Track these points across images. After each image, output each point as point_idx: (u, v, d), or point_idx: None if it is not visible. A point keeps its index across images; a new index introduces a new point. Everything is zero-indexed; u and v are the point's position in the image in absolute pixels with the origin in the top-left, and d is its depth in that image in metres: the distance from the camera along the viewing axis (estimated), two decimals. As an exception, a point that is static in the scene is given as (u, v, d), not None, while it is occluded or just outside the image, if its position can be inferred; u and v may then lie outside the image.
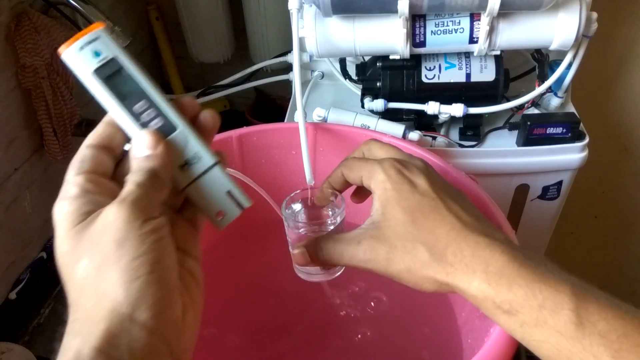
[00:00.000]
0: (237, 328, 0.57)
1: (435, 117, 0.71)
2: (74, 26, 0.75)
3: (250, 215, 0.63)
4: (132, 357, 0.28)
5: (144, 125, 0.34)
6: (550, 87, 0.71)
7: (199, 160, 0.35)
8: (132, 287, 0.28)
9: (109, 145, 0.34)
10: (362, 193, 0.47)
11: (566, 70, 0.69)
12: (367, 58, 0.75)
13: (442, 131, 0.75)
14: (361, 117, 0.69)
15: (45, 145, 0.74)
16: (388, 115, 0.71)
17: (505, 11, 0.61)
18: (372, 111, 0.72)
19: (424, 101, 0.70)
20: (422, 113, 0.70)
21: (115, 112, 0.33)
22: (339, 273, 0.48)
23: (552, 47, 0.65)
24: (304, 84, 0.82)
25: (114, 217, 0.29)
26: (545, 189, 0.77)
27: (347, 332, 0.57)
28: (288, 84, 0.88)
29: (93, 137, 0.33)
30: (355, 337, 0.57)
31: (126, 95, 0.33)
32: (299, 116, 0.59)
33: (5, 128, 0.69)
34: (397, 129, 0.68)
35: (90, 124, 0.79)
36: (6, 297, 0.73)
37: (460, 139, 0.74)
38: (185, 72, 1.08)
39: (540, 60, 0.72)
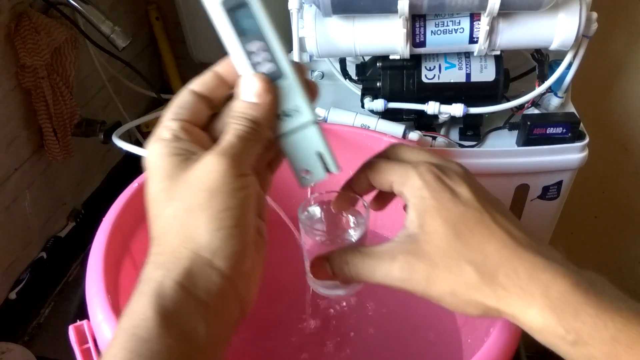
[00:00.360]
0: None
1: (435, 117, 0.71)
2: (74, 26, 0.75)
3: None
4: (207, 296, 0.30)
5: (256, 65, 0.33)
6: (550, 87, 0.71)
7: (298, 113, 0.34)
8: (215, 236, 0.30)
9: (210, 95, 0.34)
10: (384, 199, 0.41)
11: (566, 70, 0.69)
12: (367, 58, 0.75)
13: (442, 131, 0.75)
14: (361, 117, 0.69)
15: (45, 145, 0.74)
16: (388, 115, 0.71)
17: (505, 11, 0.61)
18: (372, 111, 0.72)
19: (424, 101, 0.70)
20: (422, 113, 0.70)
21: (230, 46, 0.33)
22: (358, 288, 0.43)
23: (552, 47, 0.65)
24: (304, 84, 0.82)
25: (212, 167, 0.31)
26: (545, 189, 0.77)
27: (347, 332, 0.57)
28: (288, 84, 0.88)
29: (198, 83, 0.34)
30: (356, 336, 0.57)
31: (245, 31, 0.33)
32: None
33: (5, 128, 0.69)
34: (397, 129, 0.68)
35: (91, 124, 0.79)
36: (6, 297, 0.73)
37: (460, 139, 0.74)
38: (185, 72, 1.08)
39: (540, 60, 0.72)
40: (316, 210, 0.44)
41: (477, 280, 0.32)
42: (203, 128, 0.34)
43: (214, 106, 0.35)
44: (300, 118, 0.34)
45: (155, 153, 0.32)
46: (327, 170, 0.35)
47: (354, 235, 0.41)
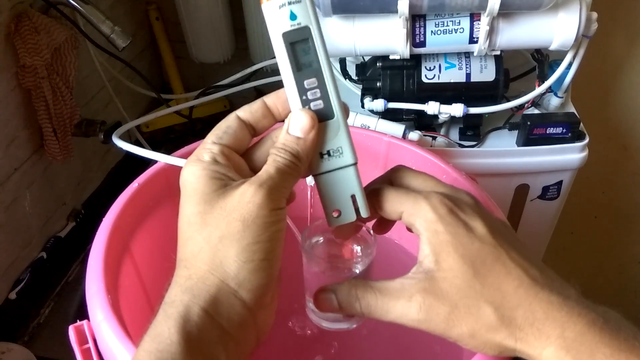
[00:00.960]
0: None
1: (435, 117, 0.71)
2: (74, 26, 0.75)
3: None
4: (230, 325, 0.31)
5: (306, 102, 0.34)
6: (550, 87, 0.71)
7: (340, 154, 0.35)
8: (244, 267, 0.31)
9: (255, 123, 0.35)
10: (388, 223, 0.40)
11: (566, 70, 0.69)
12: (367, 58, 0.75)
13: (442, 131, 0.75)
14: (361, 117, 0.69)
15: (45, 145, 0.74)
16: (388, 115, 0.71)
17: (505, 11, 0.61)
18: (372, 111, 0.72)
19: (424, 101, 0.70)
20: (422, 113, 0.70)
21: (286, 79, 0.34)
22: (361, 321, 0.41)
23: (552, 47, 0.65)
24: (304, 84, 0.82)
25: (249, 198, 0.31)
26: (545, 189, 0.77)
27: (347, 332, 0.57)
28: (288, 84, 0.88)
29: (246, 110, 0.35)
30: (355, 336, 0.57)
31: (303, 66, 0.34)
32: (299, 116, 0.59)
33: (5, 128, 0.69)
34: (397, 129, 0.68)
35: (91, 124, 0.79)
36: (6, 297, 0.73)
37: (460, 139, 0.74)
38: (185, 72, 1.08)
39: (540, 60, 0.72)
40: (319, 239, 0.43)
41: (496, 322, 0.32)
42: (242, 155, 0.35)
43: (256, 135, 0.36)
44: (341, 159, 0.35)
45: (193, 174, 0.33)
46: (358, 213, 0.36)
47: (360, 265, 0.40)
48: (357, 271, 0.39)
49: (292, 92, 0.34)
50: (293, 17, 0.33)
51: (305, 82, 0.34)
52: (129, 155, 0.61)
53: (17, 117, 0.71)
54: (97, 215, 0.50)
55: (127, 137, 0.96)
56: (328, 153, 0.35)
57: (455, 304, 0.32)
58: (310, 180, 0.55)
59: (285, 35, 0.33)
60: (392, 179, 0.38)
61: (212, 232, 0.31)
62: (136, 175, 0.54)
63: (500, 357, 0.36)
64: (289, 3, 0.33)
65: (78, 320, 0.43)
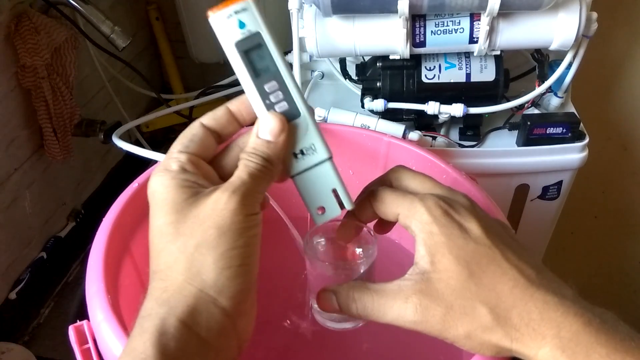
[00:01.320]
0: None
1: (435, 117, 0.71)
2: (74, 26, 0.75)
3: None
4: (209, 334, 0.30)
5: (270, 106, 0.34)
6: (550, 87, 0.71)
7: (313, 152, 0.35)
8: (222, 274, 0.30)
9: (220, 130, 0.35)
10: (388, 224, 0.40)
11: (566, 70, 0.69)
12: (367, 58, 0.75)
13: (442, 131, 0.75)
14: (361, 117, 0.69)
15: (45, 145, 0.74)
16: (388, 115, 0.71)
17: (505, 11, 0.61)
18: (372, 111, 0.72)
19: (424, 101, 0.70)
20: (422, 113, 0.70)
21: (246, 86, 0.34)
22: (366, 321, 0.40)
23: (552, 47, 0.65)
24: (304, 84, 0.82)
25: (222, 205, 0.31)
26: (545, 189, 0.77)
27: (347, 332, 0.57)
28: (288, 84, 0.88)
29: (210, 118, 0.35)
30: (355, 337, 0.57)
31: (260, 72, 0.34)
32: (299, 116, 0.59)
33: (5, 128, 0.69)
34: (397, 129, 0.68)
35: (90, 124, 0.79)
36: (6, 297, 0.73)
37: (460, 139, 0.74)
38: (185, 72, 1.08)
39: (540, 60, 0.72)
40: (321, 241, 0.43)
41: (491, 322, 0.32)
42: (209, 162, 0.35)
43: (222, 141, 0.36)
44: (315, 156, 0.35)
45: (162, 184, 0.32)
46: (342, 206, 0.36)
47: (362, 266, 0.39)
48: (360, 271, 0.39)
49: (255, 98, 0.34)
50: (242, 25, 0.33)
51: (266, 87, 0.34)
52: (129, 155, 0.61)
53: (17, 117, 0.71)
54: (97, 215, 0.50)
55: (127, 137, 0.96)
56: (301, 152, 0.35)
57: (450, 305, 0.33)
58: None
59: (238, 44, 0.33)
60: (392, 179, 0.38)
61: (186, 241, 0.31)
62: (136, 175, 0.54)
63: (498, 358, 0.36)
64: (236, 12, 0.33)
65: (78, 320, 0.43)
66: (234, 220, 0.31)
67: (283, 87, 0.34)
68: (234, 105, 0.35)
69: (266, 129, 0.34)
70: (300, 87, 0.35)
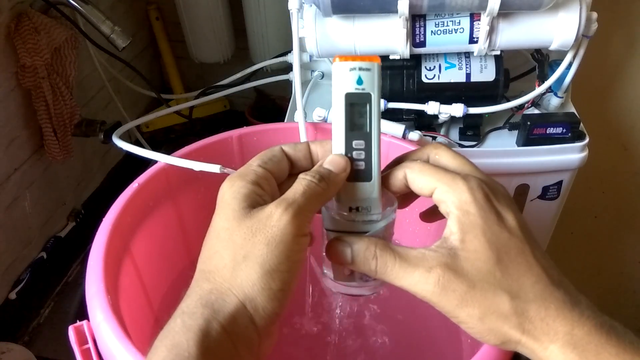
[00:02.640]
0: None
1: (435, 117, 0.71)
2: (74, 26, 0.75)
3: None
4: (241, 346, 0.31)
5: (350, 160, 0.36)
6: (550, 87, 0.71)
7: (367, 226, 0.36)
8: (261, 294, 0.31)
9: (296, 161, 0.37)
10: (409, 199, 0.39)
11: (566, 70, 0.69)
12: (367, 58, 0.75)
13: (442, 131, 0.75)
14: (361, 117, 0.69)
15: (45, 145, 0.74)
16: (388, 115, 0.71)
17: (505, 11, 0.61)
18: (372, 111, 0.72)
19: (424, 101, 0.70)
20: (422, 113, 0.70)
21: (336, 133, 0.36)
22: (379, 289, 0.39)
23: (552, 47, 0.65)
24: (304, 84, 0.82)
25: (274, 221, 0.32)
26: (545, 189, 0.77)
27: (347, 332, 0.57)
28: (288, 84, 0.88)
29: (291, 147, 0.37)
30: (354, 337, 0.57)
31: (355, 127, 0.35)
32: (299, 116, 0.59)
33: (5, 128, 0.69)
34: (397, 129, 0.68)
35: (90, 124, 0.79)
36: (6, 297, 0.73)
37: (460, 139, 0.74)
38: (185, 72, 1.08)
39: (540, 60, 0.72)
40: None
41: (509, 310, 0.32)
42: (279, 184, 0.36)
43: (293, 171, 0.37)
44: (368, 228, 0.36)
45: (231, 188, 0.34)
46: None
47: (381, 221, 0.37)
48: (377, 227, 0.37)
49: (339, 146, 0.36)
50: (360, 81, 0.35)
51: (354, 142, 0.36)
52: (129, 155, 0.61)
53: (17, 117, 0.71)
54: (97, 215, 0.50)
55: (127, 137, 0.96)
56: (357, 209, 0.36)
57: (473, 284, 0.32)
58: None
59: (348, 95, 0.35)
60: (429, 155, 0.38)
61: (237, 251, 0.32)
62: (136, 175, 0.54)
63: (501, 350, 0.37)
64: (360, 69, 0.35)
65: (78, 321, 0.43)
66: (283, 239, 0.32)
67: (368, 149, 0.36)
68: (314, 145, 0.38)
69: (333, 161, 0.35)
70: (379, 156, 0.36)
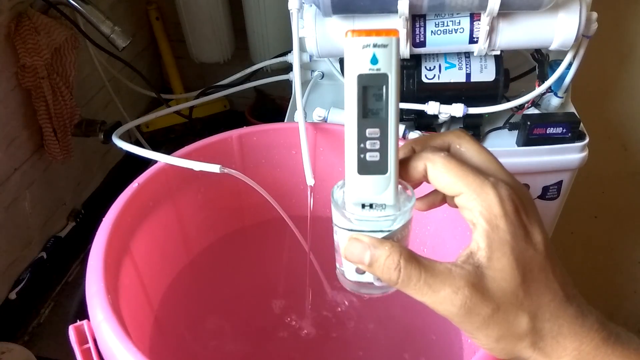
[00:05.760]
0: (237, 324, 0.57)
1: (435, 117, 0.71)
2: (74, 26, 0.75)
3: (251, 215, 0.64)
4: None
5: (363, 151, 0.32)
6: (550, 87, 0.71)
7: (382, 221, 0.33)
8: None
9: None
10: (433, 204, 0.37)
11: (566, 70, 0.69)
12: (367, 58, 0.75)
13: (442, 131, 0.75)
14: (361, 117, 0.69)
15: (45, 145, 0.74)
16: (388, 115, 0.71)
17: (505, 11, 0.61)
18: (372, 111, 0.72)
19: (424, 101, 0.70)
20: (422, 113, 0.70)
21: (348, 121, 0.32)
22: (390, 291, 0.36)
23: (552, 47, 0.65)
24: (304, 84, 0.82)
25: None
26: (545, 189, 0.77)
27: (347, 332, 0.57)
28: (288, 84, 0.88)
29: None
30: (356, 337, 0.57)
31: (369, 114, 0.31)
32: (299, 116, 0.59)
33: (5, 128, 0.69)
34: (397, 129, 0.68)
35: (91, 124, 0.79)
36: (6, 297, 0.73)
37: (460, 139, 0.74)
38: (185, 72, 1.08)
39: (540, 60, 0.72)
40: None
41: (526, 331, 0.32)
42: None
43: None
44: (381, 226, 0.33)
45: None
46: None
47: (397, 221, 0.34)
48: (393, 226, 0.34)
49: (351, 137, 0.32)
50: (374, 61, 0.30)
51: (368, 131, 0.31)
52: (129, 155, 0.61)
53: (17, 117, 0.71)
54: (97, 215, 0.50)
55: (127, 137, 0.96)
56: (370, 206, 0.33)
57: (497, 307, 0.31)
58: (310, 180, 0.55)
59: (360, 77, 0.31)
60: (451, 144, 0.35)
61: None
62: (136, 175, 0.54)
63: None
64: (374, 45, 0.30)
65: (78, 320, 0.43)
66: None
67: (384, 138, 0.32)
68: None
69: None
70: (397, 146, 0.32)
